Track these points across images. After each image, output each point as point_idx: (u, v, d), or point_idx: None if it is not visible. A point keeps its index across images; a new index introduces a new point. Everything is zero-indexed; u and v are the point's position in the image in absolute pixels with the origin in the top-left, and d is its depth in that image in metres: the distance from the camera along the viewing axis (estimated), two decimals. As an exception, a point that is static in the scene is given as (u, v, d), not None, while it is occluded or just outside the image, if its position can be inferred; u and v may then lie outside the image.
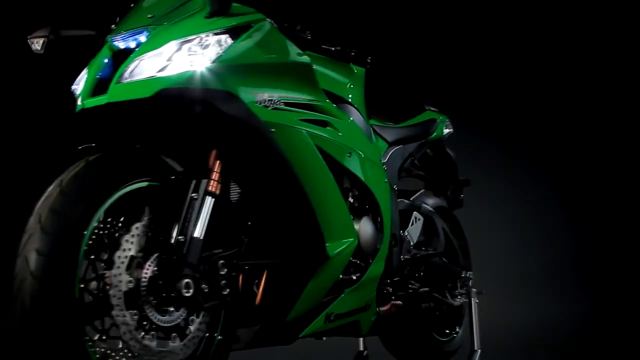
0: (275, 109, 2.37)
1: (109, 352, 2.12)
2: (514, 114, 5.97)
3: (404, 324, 3.35)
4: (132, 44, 2.34)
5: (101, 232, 2.10)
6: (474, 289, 3.51)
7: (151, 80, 2.23)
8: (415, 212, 3.30)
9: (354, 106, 2.92)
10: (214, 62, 2.26)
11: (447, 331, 3.59)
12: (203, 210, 2.25)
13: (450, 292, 3.50)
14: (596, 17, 5.94)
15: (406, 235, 3.20)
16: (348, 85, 2.93)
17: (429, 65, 5.84)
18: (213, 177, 2.28)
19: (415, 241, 3.25)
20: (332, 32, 2.83)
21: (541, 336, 4.98)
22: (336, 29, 2.91)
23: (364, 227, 2.78)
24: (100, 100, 2.26)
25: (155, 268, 2.15)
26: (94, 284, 2.09)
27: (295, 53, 2.50)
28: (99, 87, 2.30)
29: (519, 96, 6.00)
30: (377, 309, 2.96)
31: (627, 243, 5.81)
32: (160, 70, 2.24)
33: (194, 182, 2.27)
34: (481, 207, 5.47)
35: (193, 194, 2.24)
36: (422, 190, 3.56)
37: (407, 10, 5.80)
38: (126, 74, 2.26)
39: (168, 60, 2.25)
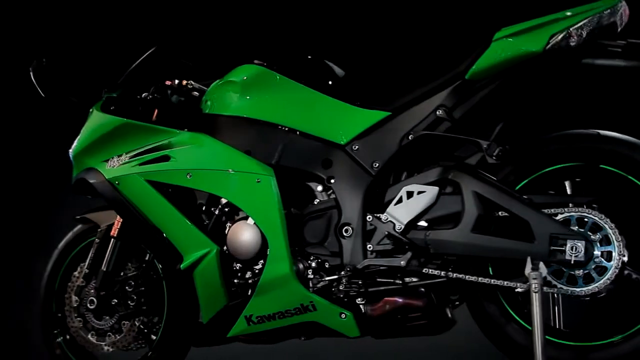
0: (121, 165, 3.16)
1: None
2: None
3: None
4: None
5: (64, 272, 3.45)
6: (533, 272, 2.52)
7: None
8: (407, 187, 2.79)
9: (234, 116, 3.06)
10: (75, 150, 3.33)
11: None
12: (107, 250, 3.23)
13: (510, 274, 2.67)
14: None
15: (385, 218, 2.80)
16: (224, 101, 3.09)
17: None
18: (115, 225, 3.23)
19: (405, 221, 2.76)
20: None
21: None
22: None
23: (232, 234, 2.98)
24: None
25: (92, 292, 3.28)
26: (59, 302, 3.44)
27: (111, 121, 3.25)
28: None
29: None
30: (344, 308, 2.79)
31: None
32: None
33: (102, 230, 3.31)
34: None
35: (96, 239, 3.29)
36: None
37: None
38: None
39: None
